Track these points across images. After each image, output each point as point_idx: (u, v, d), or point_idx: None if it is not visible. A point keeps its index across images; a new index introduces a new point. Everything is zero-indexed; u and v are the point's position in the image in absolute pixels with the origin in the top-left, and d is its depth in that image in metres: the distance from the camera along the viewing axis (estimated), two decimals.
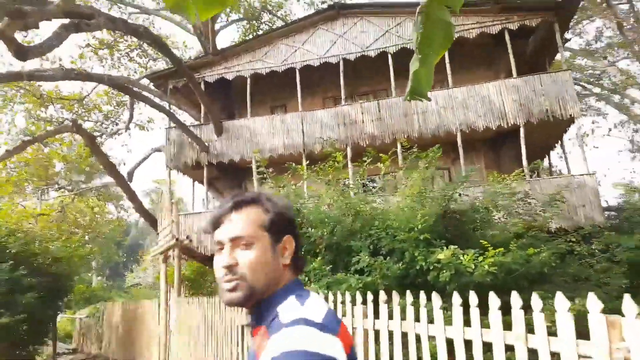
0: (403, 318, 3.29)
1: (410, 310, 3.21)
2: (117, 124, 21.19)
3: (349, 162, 10.47)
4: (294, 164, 7.20)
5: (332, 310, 0.96)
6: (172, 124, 12.84)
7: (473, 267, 4.36)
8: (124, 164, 22.00)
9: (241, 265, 0.97)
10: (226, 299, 0.98)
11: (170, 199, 8.18)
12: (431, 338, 3.00)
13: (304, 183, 6.65)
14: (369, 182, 7.92)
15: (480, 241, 4.63)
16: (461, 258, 4.41)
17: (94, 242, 26.03)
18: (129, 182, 9.88)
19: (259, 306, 0.99)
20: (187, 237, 8.02)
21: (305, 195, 6.32)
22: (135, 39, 18.90)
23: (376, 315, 3.43)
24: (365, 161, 6.62)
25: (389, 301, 3.49)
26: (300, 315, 0.89)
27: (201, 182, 13.38)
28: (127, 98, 19.17)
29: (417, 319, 3.10)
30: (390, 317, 3.37)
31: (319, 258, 5.17)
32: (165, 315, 8.35)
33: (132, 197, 9.90)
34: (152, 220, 10.41)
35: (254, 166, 12.24)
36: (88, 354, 14.85)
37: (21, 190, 20.10)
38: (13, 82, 10.20)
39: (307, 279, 5.17)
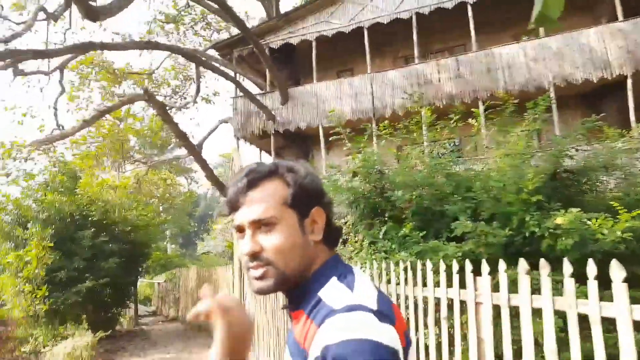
0: (513, 290, 2.82)
1: (524, 281, 2.69)
2: (184, 98, 21.67)
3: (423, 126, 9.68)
4: (370, 125, 6.63)
5: (382, 293, 0.85)
6: (239, 94, 12.66)
7: (603, 233, 3.61)
8: (193, 137, 22.47)
9: (266, 250, 0.86)
10: (255, 288, 0.88)
11: (241, 167, 7.91)
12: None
13: (379, 143, 6.07)
14: (453, 145, 7.15)
15: (611, 203, 3.85)
16: (588, 223, 3.66)
17: (167, 212, 27.33)
18: (199, 151, 9.87)
19: (297, 289, 0.89)
20: None
21: (384, 157, 5.74)
22: (198, 12, 18.95)
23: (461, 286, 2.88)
24: (452, 119, 5.90)
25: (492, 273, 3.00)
26: (354, 302, 0.79)
27: (268, 151, 13.22)
28: (193, 72, 19.43)
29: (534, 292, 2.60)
30: (496, 289, 2.93)
31: (406, 224, 4.62)
32: (240, 282, 8.27)
33: (204, 165, 9.87)
34: (223, 189, 10.37)
35: (320, 132, 11.82)
36: (167, 317, 15.58)
37: (100, 164, 21.28)
38: (88, 50, 10.39)
39: (392, 246, 4.66)
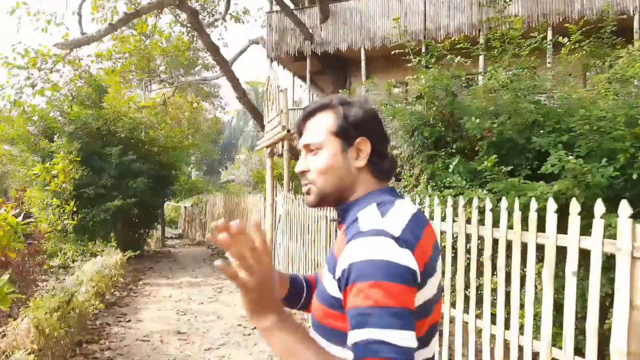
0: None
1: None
2: (212, 15, 20.39)
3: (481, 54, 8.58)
4: (433, 42, 5.71)
5: (416, 219, 0.92)
6: (274, 8, 11.53)
7: None
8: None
9: (311, 170, 1.00)
10: (305, 201, 1.04)
11: (277, 88, 7.17)
12: None
13: (451, 64, 5.18)
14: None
15: None
16: None
17: (193, 137, 27.04)
18: (230, 67, 9.10)
19: (343, 206, 1.00)
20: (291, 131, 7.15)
21: (453, 76, 4.88)
22: None
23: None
24: (522, 44, 4.95)
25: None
26: (377, 226, 0.87)
27: (302, 76, 12.31)
28: None
29: None
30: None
31: (487, 158, 3.90)
32: (272, 211, 7.86)
33: (236, 84, 9.15)
34: (254, 111, 9.72)
35: (362, 56, 10.81)
36: (193, 240, 15.70)
37: (126, 82, 20.67)
38: None
39: (465, 182, 3.99)
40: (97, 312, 5.71)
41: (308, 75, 11.39)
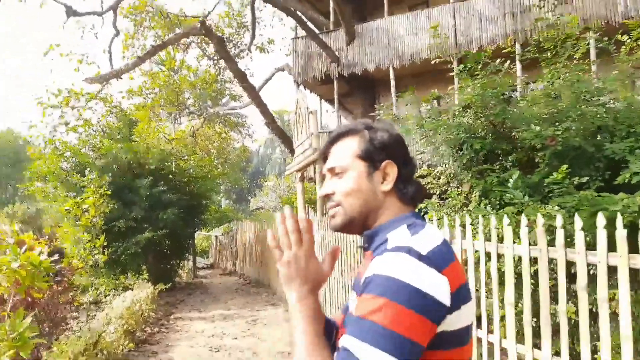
0: None
1: None
2: (238, 47, 20.72)
3: (518, 65, 8.11)
4: (470, 52, 5.33)
5: (448, 246, 0.86)
6: (299, 34, 11.47)
7: None
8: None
9: (337, 193, 0.98)
10: (330, 225, 1.01)
11: (307, 110, 6.92)
12: None
13: (498, 73, 4.76)
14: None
15: None
16: None
17: (222, 166, 27.24)
18: (258, 94, 8.96)
19: (370, 232, 0.97)
20: None
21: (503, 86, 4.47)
22: None
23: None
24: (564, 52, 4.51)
25: None
26: (405, 244, 0.83)
27: (330, 100, 12.09)
28: (248, 19, 18.35)
29: None
30: None
31: (540, 169, 3.44)
32: None
33: (264, 110, 8.99)
34: (283, 137, 9.52)
35: (391, 74, 10.51)
36: (224, 269, 15.43)
37: (156, 116, 21.05)
38: None
39: (526, 197, 3.53)
40: (126, 352, 5.40)
41: (336, 98, 11.15)
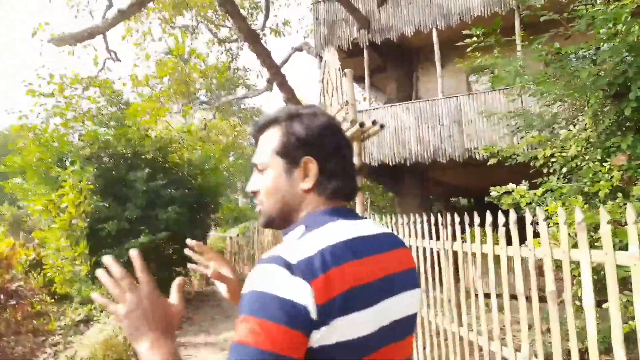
0: None
1: None
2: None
3: None
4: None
5: (344, 247, 0.78)
6: None
7: None
8: (261, 76, 20.10)
9: (259, 191, 0.93)
10: (259, 222, 0.99)
11: (339, 71, 5.17)
12: None
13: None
14: None
15: None
16: None
17: (237, 163, 25.74)
18: (274, 60, 7.23)
19: (285, 231, 0.92)
20: (375, 122, 5.05)
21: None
22: None
23: None
24: None
25: None
26: (278, 253, 0.76)
27: (360, 76, 10.26)
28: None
29: None
30: None
31: None
32: None
33: (281, 81, 7.30)
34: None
35: (435, 38, 8.66)
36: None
37: (166, 109, 19.60)
38: None
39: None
40: None
41: (367, 71, 9.35)
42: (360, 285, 0.75)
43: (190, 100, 20.21)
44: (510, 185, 3.47)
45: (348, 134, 5.20)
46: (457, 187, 13.25)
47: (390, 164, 8.59)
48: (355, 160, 5.30)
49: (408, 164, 8.51)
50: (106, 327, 4.95)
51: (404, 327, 0.83)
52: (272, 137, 0.91)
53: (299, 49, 14.84)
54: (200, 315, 8.00)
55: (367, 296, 0.76)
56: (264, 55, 7.13)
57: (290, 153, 0.89)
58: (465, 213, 3.15)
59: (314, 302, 0.70)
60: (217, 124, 22.26)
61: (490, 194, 3.40)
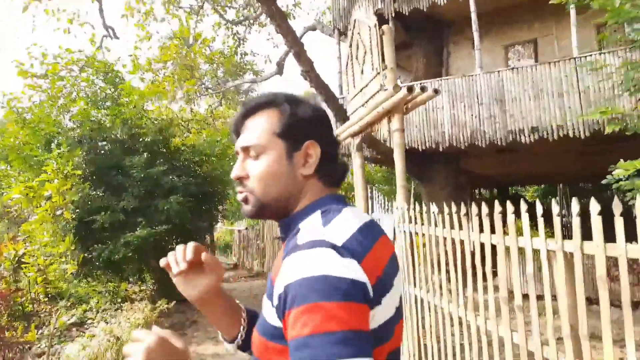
0: None
1: None
2: (257, 10, 18.07)
3: None
4: None
5: (366, 230, 0.76)
6: None
7: None
8: (270, 61, 19.11)
9: (250, 176, 0.84)
10: (242, 211, 0.89)
11: (375, 29, 4.16)
12: None
13: None
14: None
15: None
16: None
17: None
18: (293, 32, 6.24)
19: (286, 220, 0.86)
20: (424, 87, 4.08)
21: None
22: None
23: None
24: None
25: None
26: (317, 237, 0.73)
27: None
28: None
29: None
30: None
31: None
32: None
33: (299, 52, 6.33)
34: (324, 90, 6.78)
35: (472, 6, 7.61)
36: (250, 270, 12.98)
37: (169, 96, 18.70)
38: None
39: None
40: None
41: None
42: (384, 268, 0.75)
43: (195, 85, 19.25)
44: None
45: (389, 103, 4.21)
46: (483, 176, 12.23)
47: (420, 148, 7.59)
48: (397, 138, 4.32)
49: (441, 149, 7.51)
50: (89, 343, 4.05)
51: (401, 306, 0.81)
52: (269, 119, 0.84)
53: (312, 28, 13.83)
54: (206, 318, 7.10)
55: (388, 279, 0.75)
56: (279, 20, 6.14)
57: (294, 135, 0.83)
58: (509, 202, 2.50)
59: (368, 281, 0.69)
60: (223, 112, 21.32)
61: (614, 173, 2.47)
